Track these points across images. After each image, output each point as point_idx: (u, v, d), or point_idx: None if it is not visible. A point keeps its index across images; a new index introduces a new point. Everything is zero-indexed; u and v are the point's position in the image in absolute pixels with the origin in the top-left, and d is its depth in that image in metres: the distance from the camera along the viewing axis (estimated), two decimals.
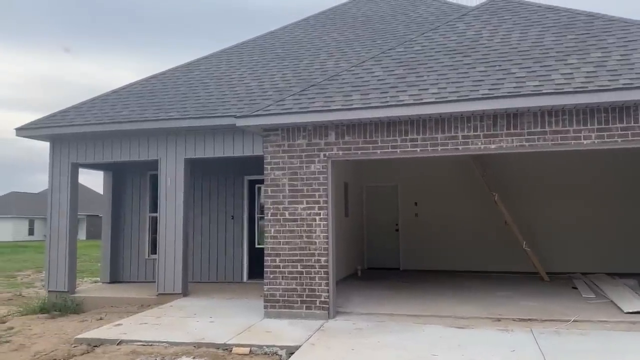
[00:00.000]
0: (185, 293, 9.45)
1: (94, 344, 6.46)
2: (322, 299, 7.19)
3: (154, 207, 11.84)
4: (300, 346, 5.85)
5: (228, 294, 9.67)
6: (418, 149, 7.02)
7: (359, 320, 6.97)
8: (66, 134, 9.94)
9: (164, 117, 9.34)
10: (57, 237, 10.02)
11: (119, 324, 7.25)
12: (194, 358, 5.66)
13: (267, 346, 5.93)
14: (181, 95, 10.12)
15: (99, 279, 11.94)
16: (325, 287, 7.21)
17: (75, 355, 6.16)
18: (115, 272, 11.71)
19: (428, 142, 6.99)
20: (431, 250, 12.80)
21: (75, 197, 10.21)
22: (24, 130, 10.09)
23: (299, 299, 7.28)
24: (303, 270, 7.31)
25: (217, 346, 6.07)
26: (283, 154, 7.52)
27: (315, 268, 7.26)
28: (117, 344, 6.36)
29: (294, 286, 7.32)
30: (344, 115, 7.04)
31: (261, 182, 11.47)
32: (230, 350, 5.93)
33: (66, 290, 9.88)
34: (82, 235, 60.46)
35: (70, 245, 10.00)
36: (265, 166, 7.63)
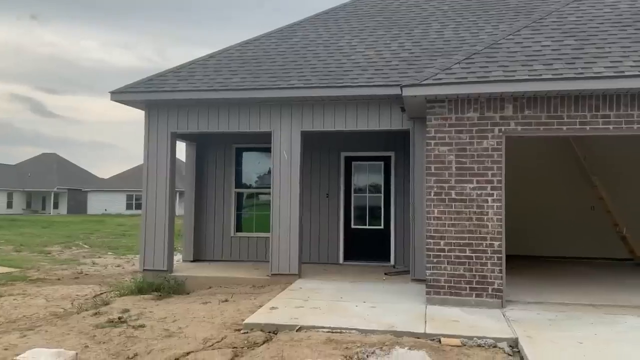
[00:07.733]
0: (300, 274, 8.85)
1: (268, 330, 5.83)
2: (495, 287, 6.66)
3: (240, 182, 11.21)
4: (515, 339, 5.33)
5: (341, 276, 9.09)
6: (611, 127, 6.46)
7: (539, 310, 6.46)
8: (165, 100, 9.13)
9: (285, 85, 8.60)
10: (154, 212, 9.24)
11: (274, 307, 6.61)
12: (409, 349, 5.09)
13: (478, 337, 5.39)
14: (292, 63, 9.36)
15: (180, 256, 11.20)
16: (499, 274, 6.67)
17: (257, 343, 5.52)
18: (198, 250, 11.01)
19: (622, 120, 6.43)
20: (518, 235, 12.37)
21: (174, 169, 9.44)
22: (119, 94, 9.24)
23: (467, 286, 6.74)
24: (472, 255, 6.75)
25: (417, 335, 5.50)
26: (450, 128, 6.89)
27: (488, 253, 6.71)
28: (297, 330, 5.75)
29: (461, 272, 6.77)
30: (532, 86, 6.42)
31: (358, 159, 10.91)
32: (439, 341, 5.38)
33: (165, 269, 9.16)
34: (63, 209, 57.67)
35: (170, 221, 9.26)
36: (427, 141, 7.00)
